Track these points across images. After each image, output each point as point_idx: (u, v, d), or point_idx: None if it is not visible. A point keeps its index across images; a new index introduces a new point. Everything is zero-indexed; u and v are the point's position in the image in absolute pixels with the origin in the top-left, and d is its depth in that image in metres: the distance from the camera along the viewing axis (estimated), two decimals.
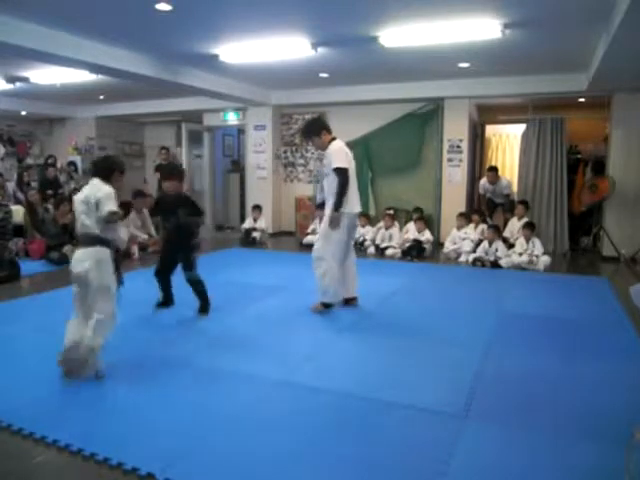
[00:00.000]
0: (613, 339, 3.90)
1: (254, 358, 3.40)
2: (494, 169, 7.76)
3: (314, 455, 2.27)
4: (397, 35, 5.24)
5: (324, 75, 7.48)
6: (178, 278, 4.34)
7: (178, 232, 4.15)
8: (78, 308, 2.99)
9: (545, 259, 6.62)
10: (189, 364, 3.28)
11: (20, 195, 8.32)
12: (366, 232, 7.93)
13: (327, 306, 4.37)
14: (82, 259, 2.88)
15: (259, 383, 3.01)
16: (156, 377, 3.07)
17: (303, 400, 2.80)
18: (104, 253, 2.92)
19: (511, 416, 2.64)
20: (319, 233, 4.51)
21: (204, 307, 4.31)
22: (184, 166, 9.93)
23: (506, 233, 7.33)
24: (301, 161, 9.51)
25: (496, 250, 6.75)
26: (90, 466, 2.20)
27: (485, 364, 3.34)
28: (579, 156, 8.60)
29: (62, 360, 2.93)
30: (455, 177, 8.22)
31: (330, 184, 4.32)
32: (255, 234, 8.47)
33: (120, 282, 3.05)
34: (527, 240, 6.71)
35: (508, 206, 7.73)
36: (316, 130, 4.39)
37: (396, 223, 7.92)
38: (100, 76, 6.81)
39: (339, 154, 4.26)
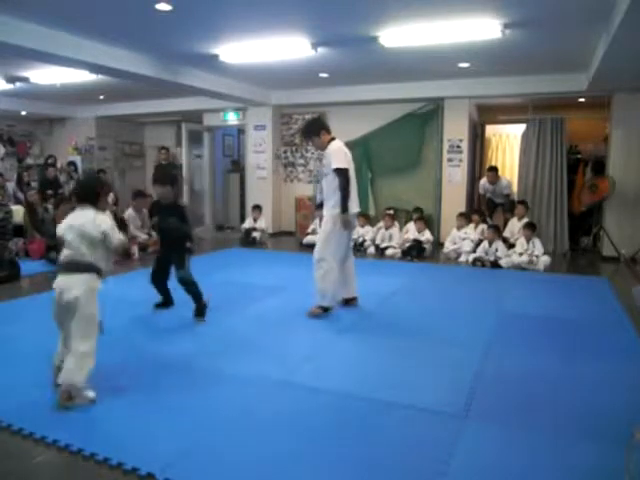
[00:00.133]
0: (613, 339, 3.90)
1: (254, 358, 3.40)
2: (494, 169, 7.76)
3: (314, 455, 2.27)
4: (397, 35, 5.24)
5: (324, 75, 7.48)
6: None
7: (171, 234, 4.10)
8: (64, 337, 2.80)
9: (545, 259, 6.62)
10: (189, 364, 3.28)
11: (20, 195, 8.33)
12: (366, 232, 7.93)
13: (325, 310, 4.35)
14: (72, 286, 2.69)
15: (259, 383, 3.00)
16: (156, 378, 3.07)
17: (303, 400, 2.80)
18: (96, 282, 2.76)
19: (511, 416, 2.64)
20: (320, 235, 4.47)
21: (199, 310, 4.15)
22: (184, 166, 9.94)
23: (506, 233, 7.33)
24: (301, 161, 9.51)
25: (496, 250, 6.75)
26: (90, 466, 2.19)
27: (485, 364, 3.34)
28: (579, 156, 8.61)
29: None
30: (455, 177, 8.22)
31: (329, 184, 4.30)
32: (255, 234, 8.48)
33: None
34: (528, 240, 6.71)
35: (508, 206, 7.73)
36: (315, 130, 4.38)
37: (396, 223, 7.92)
38: (100, 76, 6.81)
39: (339, 154, 4.24)
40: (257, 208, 8.77)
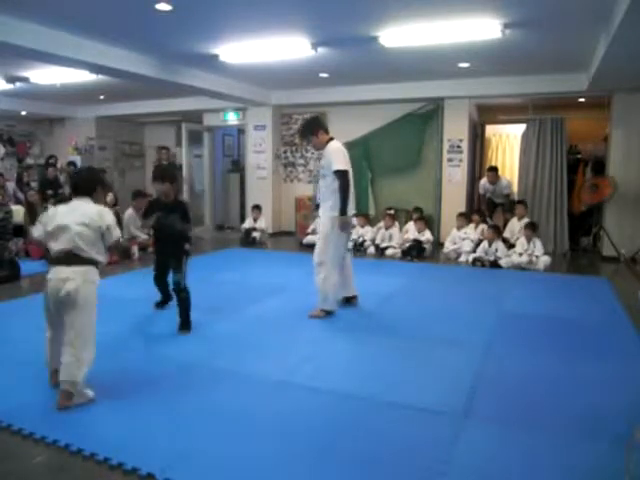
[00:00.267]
0: (613, 339, 3.90)
1: (254, 358, 3.40)
2: (494, 169, 7.76)
3: (314, 455, 2.27)
4: (397, 35, 5.24)
5: (324, 75, 7.48)
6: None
7: (169, 232, 3.95)
8: (55, 333, 2.77)
9: (545, 259, 6.62)
10: (189, 364, 3.28)
11: (20, 195, 8.32)
12: (365, 232, 7.93)
13: (327, 313, 4.35)
14: (71, 278, 2.63)
15: (259, 383, 3.01)
16: (156, 378, 3.07)
17: (303, 400, 2.80)
18: (95, 274, 2.73)
19: (511, 416, 2.64)
20: (319, 237, 4.42)
21: (184, 323, 3.93)
22: (184, 166, 9.93)
23: (506, 233, 7.33)
24: (301, 161, 9.51)
25: (496, 250, 6.75)
26: (90, 466, 2.19)
27: (485, 364, 3.34)
28: (579, 156, 8.60)
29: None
30: (455, 177, 8.22)
31: (328, 186, 4.23)
32: (255, 234, 8.48)
33: None
34: (528, 240, 6.70)
35: (508, 206, 7.73)
36: (313, 129, 4.34)
37: (396, 223, 7.92)
38: (100, 76, 6.81)
39: (339, 155, 4.19)
40: (257, 208, 8.77)
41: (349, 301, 4.63)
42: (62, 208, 2.81)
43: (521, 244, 6.74)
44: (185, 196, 9.87)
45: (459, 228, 7.52)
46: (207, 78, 7.39)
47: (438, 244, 7.98)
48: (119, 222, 7.28)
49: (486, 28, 4.94)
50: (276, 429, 2.49)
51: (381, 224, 7.91)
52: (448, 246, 7.48)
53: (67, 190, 8.61)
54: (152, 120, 11.47)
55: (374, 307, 4.67)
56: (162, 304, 4.45)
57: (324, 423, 2.55)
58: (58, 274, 2.67)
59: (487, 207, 7.86)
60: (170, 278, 4.11)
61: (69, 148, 10.85)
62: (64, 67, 6.36)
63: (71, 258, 2.68)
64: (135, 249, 7.00)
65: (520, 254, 6.64)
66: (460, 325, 4.18)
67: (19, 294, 5.08)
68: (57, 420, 2.54)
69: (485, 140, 9.61)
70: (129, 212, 7.48)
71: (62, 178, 9.02)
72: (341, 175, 4.14)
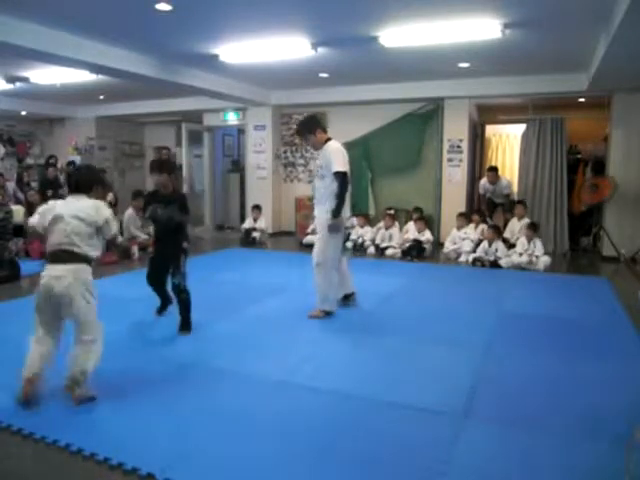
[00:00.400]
0: (613, 339, 3.90)
1: (254, 358, 3.40)
2: (494, 169, 7.76)
3: (314, 455, 2.27)
4: (397, 35, 5.24)
5: (324, 75, 7.48)
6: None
7: (167, 224, 3.83)
8: (45, 332, 2.75)
9: (545, 259, 6.62)
10: (189, 365, 3.28)
11: (20, 195, 8.32)
12: (365, 232, 7.93)
13: (327, 313, 4.34)
14: (63, 276, 2.63)
15: (259, 383, 3.01)
16: (156, 378, 3.07)
17: (303, 400, 2.80)
18: (86, 272, 2.72)
19: (511, 416, 2.64)
20: (317, 238, 4.36)
21: (185, 324, 3.89)
22: (184, 166, 9.92)
23: (506, 233, 7.33)
24: (301, 161, 9.51)
25: (496, 250, 6.75)
26: (90, 466, 2.20)
27: (485, 364, 3.34)
28: (579, 156, 8.60)
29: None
30: (455, 177, 8.22)
31: (327, 187, 4.16)
32: (255, 234, 8.48)
33: None
34: (529, 240, 6.70)
35: (508, 206, 7.73)
36: (311, 128, 4.26)
37: (396, 223, 7.92)
38: (100, 76, 6.81)
39: (338, 156, 4.13)
40: (257, 208, 8.77)
41: (347, 298, 4.61)
42: (60, 202, 2.84)
43: (521, 244, 6.74)
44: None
45: (459, 228, 7.52)
46: (207, 78, 7.39)
47: (438, 244, 7.98)
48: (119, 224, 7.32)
49: (486, 28, 4.94)
50: (276, 429, 2.49)
51: (381, 224, 7.91)
52: (448, 246, 7.48)
53: (67, 190, 8.62)
54: (152, 120, 11.47)
55: (374, 307, 4.67)
56: (162, 309, 4.29)
57: (324, 423, 2.56)
58: (51, 272, 2.67)
59: (487, 207, 7.86)
60: (168, 279, 4.02)
61: (69, 148, 10.85)
62: (64, 67, 6.36)
63: (64, 255, 2.68)
64: (135, 249, 6.99)
65: (520, 254, 6.64)
66: (460, 325, 4.18)
67: (19, 294, 5.07)
68: (57, 420, 2.54)
69: (485, 140, 9.61)
70: (129, 212, 7.48)
71: (62, 178, 9.02)
72: (340, 177, 4.08)
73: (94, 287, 2.78)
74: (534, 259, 6.57)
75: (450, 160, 8.20)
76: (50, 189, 8.30)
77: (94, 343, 2.72)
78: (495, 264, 6.64)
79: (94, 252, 2.79)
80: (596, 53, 5.70)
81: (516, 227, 7.26)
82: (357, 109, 8.75)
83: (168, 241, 3.90)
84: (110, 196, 7.68)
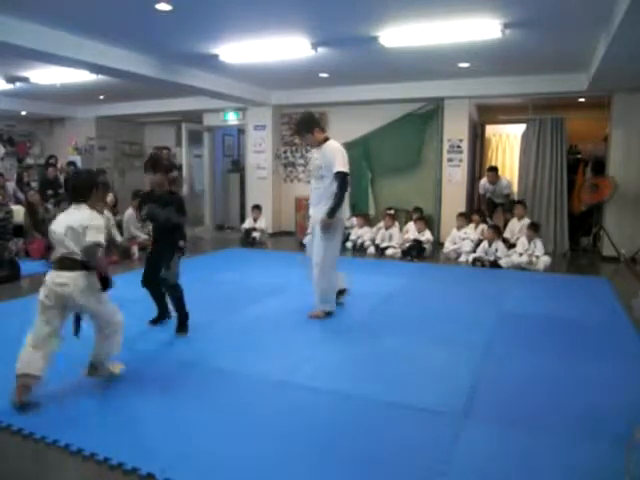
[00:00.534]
0: (613, 339, 3.90)
1: (254, 358, 3.40)
2: (494, 169, 7.76)
3: (314, 455, 2.27)
4: (397, 35, 5.24)
5: (324, 75, 7.48)
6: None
7: (164, 224, 3.74)
8: (50, 332, 2.76)
9: (545, 259, 6.62)
10: (188, 365, 3.28)
11: (20, 195, 8.32)
12: (364, 233, 7.94)
13: (327, 313, 4.34)
14: (63, 283, 2.67)
15: (259, 383, 3.01)
16: (155, 378, 3.08)
17: (303, 400, 2.80)
18: (87, 279, 2.72)
19: (511, 416, 2.64)
20: (319, 240, 4.24)
21: (182, 324, 3.79)
22: (184, 166, 9.92)
23: (506, 233, 7.32)
24: (301, 161, 9.51)
25: (496, 250, 6.75)
26: (90, 466, 2.19)
27: (485, 364, 3.34)
28: (579, 156, 8.60)
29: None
30: (455, 177, 8.22)
31: (327, 187, 4.12)
32: (255, 234, 8.48)
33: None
34: (529, 240, 6.71)
35: (508, 206, 7.73)
36: (309, 127, 4.19)
37: (396, 223, 7.92)
38: (100, 76, 6.81)
39: (340, 156, 4.10)
40: (257, 208, 8.77)
41: (341, 293, 4.56)
42: (61, 215, 2.85)
43: (522, 244, 6.74)
44: (185, 196, 9.88)
45: (459, 228, 7.53)
46: (207, 78, 7.39)
47: (438, 244, 7.98)
48: (119, 224, 7.32)
49: (486, 28, 4.94)
50: (276, 429, 2.49)
51: (381, 224, 7.91)
52: (448, 246, 7.48)
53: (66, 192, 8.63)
54: (152, 120, 11.47)
55: (374, 307, 4.67)
56: (158, 319, 4.04)
57: (324, 423, 2.55)
58: (53, 278, 2.72)
59: (487, 207, 7.86)
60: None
61: (69, 148, 10.85)
62: (64, 67, 6.37)
63: (65, 262, 2.71)
64: (135, 249, 7.00)
65: (520, 254, 6.64)
66: (460, 325, 4.18)
67: (19, 294, 5.08)
68: (57, 420, 2.54)
69: (485, 140, 9.61)
70: (129, 212, 7.48)
71: (62, 178, 9.02)
72: (341, 177, 4.06)
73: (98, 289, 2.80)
74: (534, 259, 6.57)
75: (450, 160, 8.20)
76: (50, 189, 8.31)
77: (109, 336, 2.88)
78: (495, 264, 6.64)
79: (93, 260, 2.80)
80: (596, 53, 5.70)
81: (516, 227, 7.26)
82: (357, 109, 8.75)
83: (164, 241, 3.82)
84: (110, 196, 7.69)
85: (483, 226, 7.36)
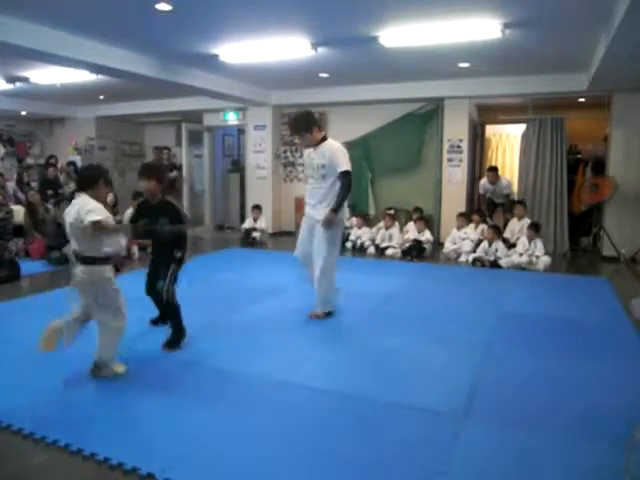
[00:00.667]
0: (613, 339, 3.90)
1: (254, 358, 3.40)
2: (494, 169, 7.76)
3: (314, 455, 2.27)
4: (397, 35, 5.24)
5: (324, 75, 7.48)
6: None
7: (161, 241, 3.59)
8: (81, 315, 3.05)
9: (545, 259, 6.62)
10: (188, 364, 3.28)
11: (20, 195, 8.32)
12: (363, 233, 7.94)
13: (327, 313, 4.33)
14: (80, 275, 2.90)
15: (259, 383, 3.00)
16: (155, 378, 3.08)
17: (303, 400, 2.80)
18: (100, 272, 2.90)
19: (511, 416, 2.64)
20: (320, 241, 4.18)
21: (174, 340, 3.55)
22: (184, 166, 9.92)
23: (506, 233, 7.32)
24: (301, 161, 9.48)
25: (496, 250, 6.75)
26: (90, 466, 2.20)
27: (485, 364, 3.34)
28: (579, 156, 8.60)
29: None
30: (455, 177, 8.22)
31: (330, 187, 4.10)
32: (255, 234, 8.47)
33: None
34: (530, 240, 6.71)
35: (508, 206, 7.73)
36: (307, 126, 4.13)
37: (396, 223, 7.92)
38: (100, 76, 6.81)
39: (343, 155, 4.10)
40: (257, 208, 8.77)
41: None
42: (68, 207, 2.96)
43: (522, 244, 6.74)
44: (185, 196, 9.89)
45: (459, 228, 7.53)
46: (207, 78, 7.39)
47: (438, 244, 7.98)
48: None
49: (486, 28, 4.94)
50: (276, 429, 2.49)
51: (381, 224, 7.92)
52: (448, 246, 7.48)
53: (67, 190, 8.63)
54: (152, 120, 11.47)
55: (374, 307, 4.67)
56: (158, 321, 3.99)
57: (324, 423, 2.55)
58: (77, 271, 2.92)
59: (487, 207, 7.86)
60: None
61: (69, 148, 10.85)
62: (64, 67, 6.36)
63: (78, 257, 2.90)
64: (135, 249, 6.99)
65: (520, 254, 6.64)
66: (460, 325, 4.18)
67: (19, 294, 5.08)
68: (57, 420, 2.54)
69: (485, 140, 9.61)
70: (129, 212, 7.43)
71: (62, 178, 9.03)
72: (347, 176, 4.06)
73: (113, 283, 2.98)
74: (534, 259, 6.57)
75: (450, 160, 8.20)
76: (50, 189, 8.31)
77: (117, 331, 2.99)
78: (495, 264, 6.64)
79: (99, 251, 2.88)
80: (596, 53, 5.70)
81: (516, 227, 7.26)
82: (357, 109, 8.75)
83: (161, 253, 3.70)
84: (110, 196, 7.68)
85: (483, 226, 7.36)
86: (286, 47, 5.76)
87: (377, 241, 7.74)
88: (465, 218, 7.61)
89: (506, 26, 4.90)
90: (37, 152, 11.33)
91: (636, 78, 6.15)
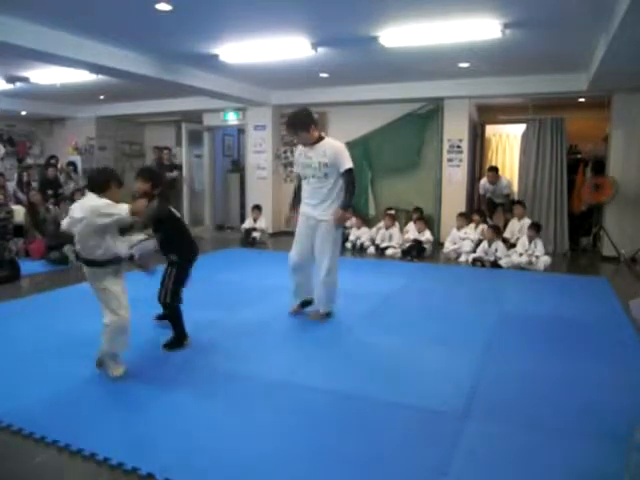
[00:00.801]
0: (613, 339, 3.90)
1: (254, 358, 3.40)
2: (494, 169, 7.76)
3: (314, 455, 2.27)
4: (397, 35, 5.24)
5: (324, 75, 7.48)
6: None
7: (160, 244, 3.59)
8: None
9: (545, 259, 6.62)
10: (188, 365, 3.28)
11: (20, 195, 8.33)
12: (362, 233, 7.94)
13: (327, 313, 4.33)
14: (95, 278, 2.96)
15: (259, 383, 3.01)
16: (155, 378, 3.07)
17: (303, 400, 2.80)
18: (101, 275, 2.94)
19: (511, 416, 2.64)
20: (323, 242, 4.12)
21: (172, 343, 3.54)
22: (184, 166, 9.92)
23: (506, 233, 7.32)
24: None
25: (496, 250, 6.75)
26: (90, 466, 2.20)
27: (485, 364, 3.34)
28: (579, 156, 8.60)
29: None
30: (455, 177, 8.22)
31: (333, 186, 4.06)
32: (255, 234, 8.47)
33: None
34: (530, 240, 6.71)
35: (508, 206, 7.73)
36: (306, 125, 4.05)
37: (396, 223, 7.92)
38: (100, 76, 6.81)
39: (345, 153, 4.07)
40: (257, 208, 8.77)
41: (305, 305, 4.42)
42: (75, 204, 3.01)
43: (522, 244, 6.74)
44: (185, 196, 9.89)
45: (459, 228, 7.53)
46: (207, 78, 7.39)
47: (438, 244, 7.98)
48: None
49: (486, 28, 4.94)
50: (276, 429, 2.50)
51: (381, 224, 7.92)
52: (448, 246, 7.48)
53: (67, 190, 8.64)
54: (152, 120, 11.47)
55: (374, 307, 4.67)
56: (163, 317, 4.00)
57: (324, 423, 2.55)
58: (86, 273, 2.97)
59: (487, 207, 7.86)
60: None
61: (69, 148, 10.85)
62: (64, 67, 6.36)
63: (87, 261, 2.94)
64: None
65: (520, 254, 6.64)
66: (460, 325, 4.18)
67: (19, 294, 5.08)
68: (57, 420, 2.54)
69: (485, 140, 9.61)
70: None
71: (62, 178, 9.03)
72: (351, 173, 4.06)
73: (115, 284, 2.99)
74: (534, 259, 6.57)
75: (450, 160, 8.20)
76: (50, 189, 8.31)
77: (118, 331, 2.99)
78: (495, 264, 6.64)
79: (102, 254, 2.89)
80: (596, 53, 5.70)
81: (516, 227, 7.26)
82: (357, 109, 8.75)
83: (163, 255, 3.67)
84: None
85: (483, 226, 7.36)
86: (286, 47, 5.76)
87: (377, 241, 7.74)
88: (465, 218, 7.61)
89: (506, 26, 4.90)
90: (37, 152, 11.33)
91: (636, 78, 6.15)
